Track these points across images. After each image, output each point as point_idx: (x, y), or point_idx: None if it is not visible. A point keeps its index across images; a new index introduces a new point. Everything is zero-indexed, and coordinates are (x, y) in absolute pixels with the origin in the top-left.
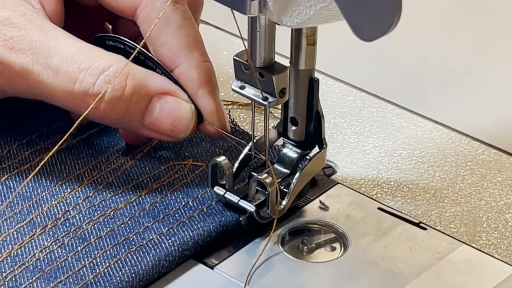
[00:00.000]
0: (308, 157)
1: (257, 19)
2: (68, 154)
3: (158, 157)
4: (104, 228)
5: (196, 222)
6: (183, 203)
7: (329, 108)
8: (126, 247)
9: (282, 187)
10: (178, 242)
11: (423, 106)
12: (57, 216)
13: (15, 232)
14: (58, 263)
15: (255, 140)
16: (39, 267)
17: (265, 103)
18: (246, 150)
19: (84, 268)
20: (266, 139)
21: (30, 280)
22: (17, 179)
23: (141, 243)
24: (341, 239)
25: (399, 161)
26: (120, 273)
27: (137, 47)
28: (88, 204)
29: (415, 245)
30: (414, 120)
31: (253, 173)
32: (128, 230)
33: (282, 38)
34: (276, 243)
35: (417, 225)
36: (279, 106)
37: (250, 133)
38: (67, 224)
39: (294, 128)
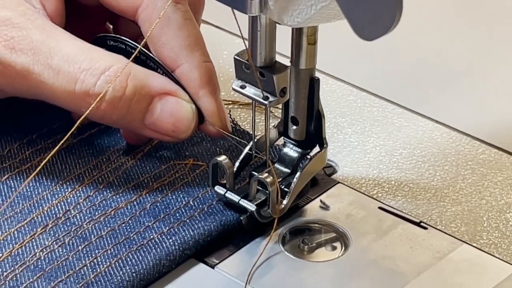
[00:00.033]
0: (308, 157)
1: (258, 18)
2: (68, 154)
3: (158, 156)
4: (105, 228)
5: (196, 221)
6: (184, 203)
7: (330, 108)
8: (127, 246)
9: (282, 187)
10: (179, 242)
11: (423, 106)
12: (57, 216)
13: (15, 232)
14: (58, 262)
15: (255, 140)
16: (40, 266)
17: (266, 102)
18: (246, 150)
19: (85, 267)
20: (266, 139)
21: (31, 280)
22: (18, 178)
23: (142, 243)
24: (341, 239)
25: (400, 161)
26: (121, 273)
27: (138, 47)
28: (89, 203)
29: (416, 244)
30: (414, 119)
31: (254, 173)
32: (129, 230)
33: (283, 38)
34: (277, 242)
35: (418, 224)
36: (280, 106)
37: (251, 132)
38: (68, 224)
39: (294, 127)
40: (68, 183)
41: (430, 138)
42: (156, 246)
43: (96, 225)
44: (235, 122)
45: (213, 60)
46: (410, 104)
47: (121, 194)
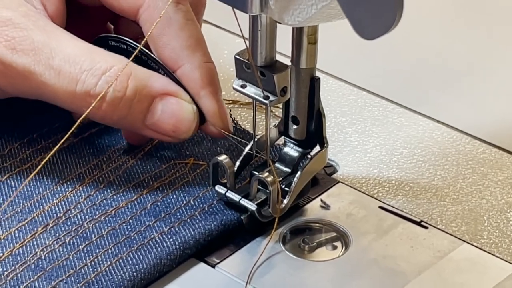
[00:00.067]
0: (309, 156)
1: (258, 17)
2: (69, 153)
3: (159, 156)
4: (106, 227)
5: (197, 221)
6: (184, 202)
7: (330, 107)
8: (127, 245)
9: (283, 186)
10: (179, 241)
11: (424, 105)
12: (58, 215)
13: (16, 231)
14: (59, 261)
15: (256, 139)
16: (40, 265)
17: (266, 102)
18: (247, 149)
19: (86, 266)
20: (267, 138)
21: (32, 279)
22: (19, 178)
23: (143, 242)
24: (342, 238)
25: (400, 160)
26: (121, 272)
27: (138, 47)
28: (90, 203)
29: (416, 243)
30: (415, 119)
31: (254, 172)
32: (130, 229)
33: (283, 37)
34: (277, 242)
35: (418, 224)
36: (280, 105)
37: (251, 132)
38: (69, 223)
39: (295, 127)
40: (68, 183)
41: (430, 137)
42: (157, 245)
43: (97, 224)
44: (235, 121)
45: (213, 59)
46: (411, 104)
47: (121, 194)
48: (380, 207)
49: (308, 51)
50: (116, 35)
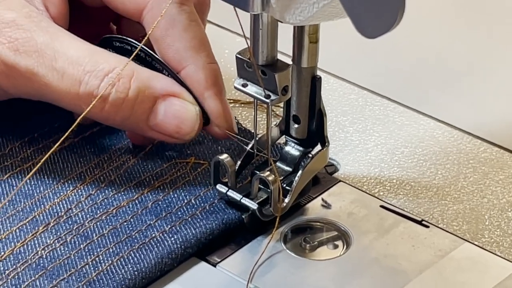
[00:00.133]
0: (310, 155)
1: (260, 16)
2: (70, 153)
3: (160, 155)
4: (107, 226)
5: (198, 220)
6: (186, 201)
7: (331, 106)
8: (128, 245)
9: (284, 185)
10: (180, 240)
11: (425, 104)
12: (59, 214)
13: (17, 230)
14: (60, 260)
15: (257, 138)
16: (41, 264)
17: (268, 101)
18: (248, 148)
19: (87, 265)
20: (268, 137)
21: (33, 278)
22: (19, 177)
23: (144, 241)
24: (343, 237)
25: (401, 159)
26: (122, 271)
27: (144, 48)
28: (91, 202)
29: (418, 243)
30: (416, 118)
31: (256, 171)
32: (131, 228)
33: (285, 36)
34: (279, 241)
35: (419, 223)
36: (281, 104)
37: (252, 131)
38: (70, 222)
39: (296, 126)
40: (69, 182)
41: (431, 136)
42: (158, 244)
43: (98, 223)
44: (236, 120)
45: None
46: (412, 103)
47: (122, 193)
48: (381, 206)
49: (309, 50)
50: (120, 36)
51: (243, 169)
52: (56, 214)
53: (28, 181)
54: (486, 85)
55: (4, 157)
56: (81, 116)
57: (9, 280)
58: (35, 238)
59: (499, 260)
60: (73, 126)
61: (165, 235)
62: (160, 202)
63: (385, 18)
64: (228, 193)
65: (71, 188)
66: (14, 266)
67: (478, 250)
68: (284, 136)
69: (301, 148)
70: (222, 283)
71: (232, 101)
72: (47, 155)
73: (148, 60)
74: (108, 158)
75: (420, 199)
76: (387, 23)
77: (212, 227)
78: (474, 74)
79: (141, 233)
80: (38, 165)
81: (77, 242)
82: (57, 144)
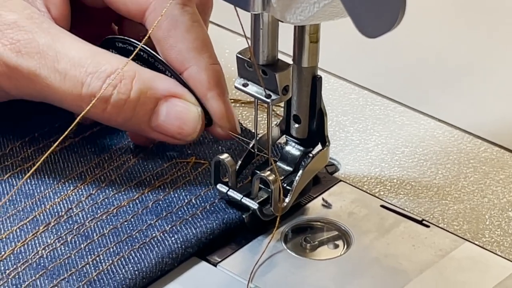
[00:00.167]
0: (311, 155)
1: (260, 16)
2: (70, 152)
3: (160, 155)
4: (107, 226)
5: (199, 219)
6: (186, 201)
7: (332, 106)
8: (129, 244)
9: (285, 185)
10: (181, 240)
11: (425, 104)
12: (60, 214)
13: (18, 230)
14: (61, 260)
15: (258, 138)
16: (42, 264)
17: (268, 100)
18: (249, 148)
19: (87, 265)
20: (269, 137)
21: (33, 278)
22: (20, 177)
23: (144, 241)
24: (344, 237)
25: (402, 159)
26: (123, 271)
27: (146, 49)
28: (91, 201)
29: (418, 242)
30: (416, 118)
31: (256, 171)
32: (131, 228)
33: (285, 36)
34: (279, 240)
35: (420, 222)
36: (282, 104)
37: (253, 131)
38: (70, 222)
39: (297, 125)
40: (70, 182)
41: (432, 136)
42: (158, 244)
43: (99, 223)
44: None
45: None
46: (412, 103)
47: (123, 193)
48: (382, 206)
49: (310, 50)
50: (123, 37)
51: (244, 169)
52: (56, 213)
53: (28, 180)
54: (486, 85)
55: (5, 157)
56: (80, 116)
57: (9, 279)
58: (35, 238)
59: (499, 259)
60: (72, 126)
61: (166, 234)
62: (160, 202)
63: (386, 17)
64: (228, 192)
65: (71, 187)
66: (15, 266)
67: (478, 250)
68: (284, 135)
69: (301, 148)
70: (223, 282)
71: (232, 100)
72: (46, 154)
73: (150, 61)
74: (108, 158)
75: (421, 198)
76: (388, 23)
77: (213, 227)
78: (474, 74)
79: (141, 233)
80: (38, 164)
81: (77, 242)
82: (56, 144)
